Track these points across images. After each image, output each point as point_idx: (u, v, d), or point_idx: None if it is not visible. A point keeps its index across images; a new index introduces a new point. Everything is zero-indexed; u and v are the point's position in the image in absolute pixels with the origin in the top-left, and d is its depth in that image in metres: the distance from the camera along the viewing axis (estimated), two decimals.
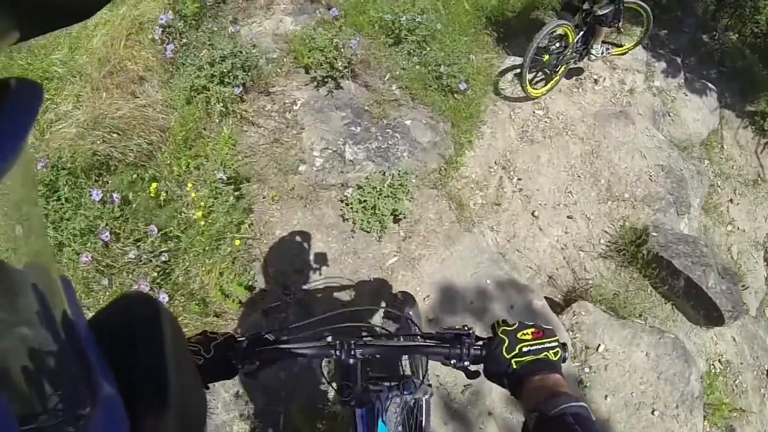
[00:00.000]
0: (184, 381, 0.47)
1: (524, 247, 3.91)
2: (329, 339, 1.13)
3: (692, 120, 5.83)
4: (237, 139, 3.48)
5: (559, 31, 4.66)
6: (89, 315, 0.47)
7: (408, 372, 1.75)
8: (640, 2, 5.19)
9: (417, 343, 1.08)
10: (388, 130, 3.81)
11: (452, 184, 3.88)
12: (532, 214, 4.06)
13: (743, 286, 5.16)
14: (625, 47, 5.52)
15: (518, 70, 4.57)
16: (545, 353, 0.90)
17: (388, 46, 4.31)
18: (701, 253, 4.06)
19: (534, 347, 0.90)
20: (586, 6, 4.52)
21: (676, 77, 5.96)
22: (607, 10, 4.47)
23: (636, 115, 4.98)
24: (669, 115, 5.72)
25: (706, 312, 3.89)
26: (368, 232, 3.33)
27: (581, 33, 4.68)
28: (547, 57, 4.56)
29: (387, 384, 1.31)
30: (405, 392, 1.21)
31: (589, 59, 4.98)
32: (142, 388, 0.42)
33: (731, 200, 6.13)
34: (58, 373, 0.35)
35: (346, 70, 3.78)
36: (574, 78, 5.17)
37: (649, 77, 5.72)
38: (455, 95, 4.22)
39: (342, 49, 3.69)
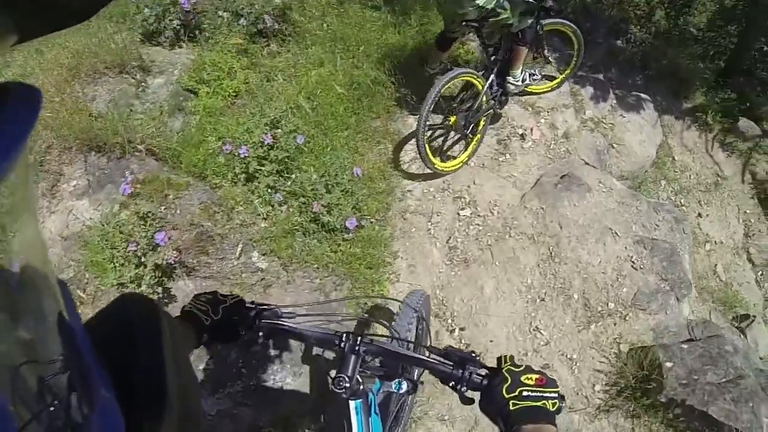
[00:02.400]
0: (182, 382, 0.41)
1: None
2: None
3: (638, 143, 4.31)
4: None
5: (460, 82, 3.02)
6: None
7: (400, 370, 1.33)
8: (565, 23, 3.50)
9: (420, 357, 0.93)
10: (257, 350, 2.07)
11: None
12: None
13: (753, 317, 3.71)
14: (555, 81, 3.84)
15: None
16: (544, 402, 0.76)
17: (240, 185, 2.68)
18: (734, 365, 2.55)
19: (534, 394, 0.77)
20: (486, 28, 2.84)
21: (607, 99, 4.43)
22: (523, 25, 2.85)
23: (583, 170, 3.41)
24: (613, 147, 4.18)
25: None
26: None
27: (492, 75, 3.01)
28: (453, 119, 2.89)
29: (382, 379, 1.11)
30: (400, 391, 1.06)
31: (507, 95, 3.27)
32: (141, 390, 0.38)
33: (699, 215, 4.63)
34: (55, 376, 0.30)
35: (174, 266, 2.16)
36: (496, 140, 3.61)
37: (579, 110, 4.18)
38: (344, 238, 2.63)
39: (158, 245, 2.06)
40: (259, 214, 2.58)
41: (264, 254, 2.58)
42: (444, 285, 2.67)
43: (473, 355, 0.88)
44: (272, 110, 2.78)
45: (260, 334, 0.96)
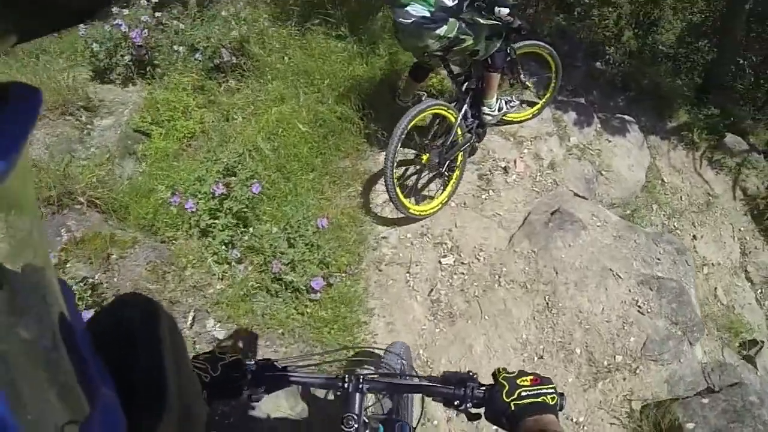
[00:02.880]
0: (183, 383, 0.41)
1: None
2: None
3: (627, 168, 4.07)
4: None
5: (429, 116, 2.69)
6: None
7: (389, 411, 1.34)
8: (540, 44, 3.25)
9: (423, 383, 0.95)
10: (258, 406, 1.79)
11: None
12: None
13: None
14: (536, 107, 3.54)
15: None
16: (543, 397, 0.80)
17: (195, 240, 2.34)
18: (761, 419, 2.23)
19: (533, 392, 0.81)
20: (453, 57, 2.58)
21: (591, 124, 4.21)
22: (491, 51, 2.58)
23: (574, 203, 3.12)
24: (602, 174, 3.92)
25: None
26: None
27: (465, 105, 2.73)
28: (425, 156, 2.58)
29: (383, 421, 1.18)
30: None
31: (484, 126, 2.97)
32: (141, 389, 0.37)
33: (694, 237, 4.37)
34: (56, 376, 0.30)
35: None
36: (477, 175, 3.32)
37: (564, 137, 3.93)
38: (311, 299, 2.28)
39: None
40: (214, 274, 2.22)
41: (220, 321, 2.21)
42: (428, 344, 2.32)
43: (470, 374, 0.91)
44: (228, 154, 2.45)
45: (263, 387, 0.94)
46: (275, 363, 0.97)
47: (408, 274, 2.51)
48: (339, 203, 2.68)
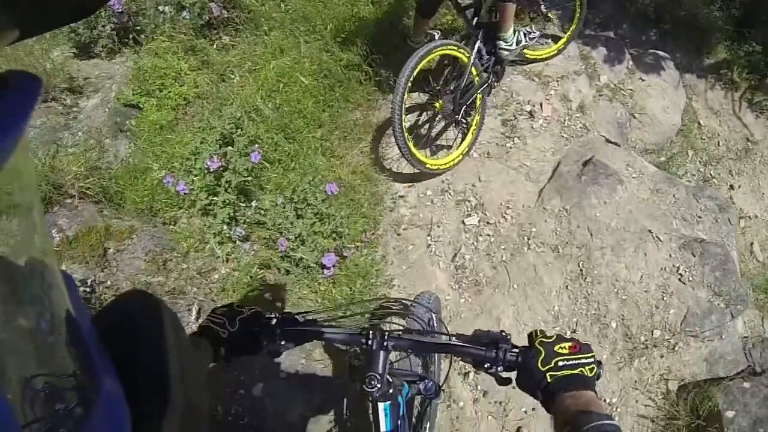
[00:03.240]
0: (186, 377, 0.41)
1: None
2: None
3: (661, 111, 3.71)
4: None
5: (438, 57, 2.38)
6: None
7: (418, 370, 1.22)
8: None
9: (452, 342, 0.88)
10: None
11: None
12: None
13: None
14: (560, 41, 3.17)
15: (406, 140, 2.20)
16: (581, 369, 0.73)
17: (198, 218, 2.12)
18: None
19: (570, 362, 0.74)
20: None
21: (623, 61, 3.80)
22: None
23: (607, 151, 2.81)
24: (635, 117, 3.58)
25: None
26: None
27: (478, 42, 2.40)
28: (439, 104, 2.30)
29: (410, 381, 1.09)
30: (428, 393, 1.06)
31: (502, 63, 2.65)
32: (144, 384, 0.37)
33: (731, 186, 4.06)
34: (61, 369, 0.30)
35: None
36: (500, 121, 3.00)
37: (593, 76, 3.56)
38: (324, 275, 2.06)
39: None
40: (218, 257, 2.03)
41: None
42: (452, 316, 2.14)
43: (503, 334, 0.84)
44: (225, 120, 2.19)
45: (283, 342, 0.90)
46: (296, 316, 0.92)
47: (429, 238, 2.29)
48: (351, 161, 2.42)
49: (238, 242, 2.07)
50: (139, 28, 2.76)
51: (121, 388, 0.34)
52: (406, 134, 2.15)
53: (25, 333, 0.27)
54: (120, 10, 2.72)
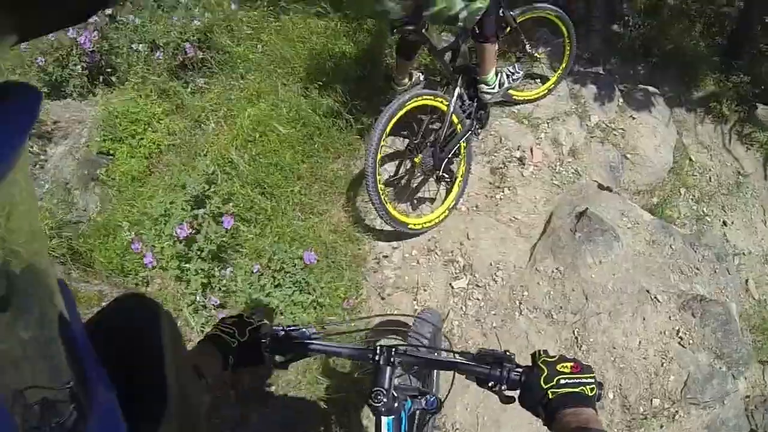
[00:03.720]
0: (183, 384, 0.40)
1: None
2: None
3: (653, 150, 3.62)
4: None
5: (414, 108, 2.14)
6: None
7: (418, 385, 1.26)
8: (548, 7, 2.70)
9: (457, 361, 0.90)
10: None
11: None
12: None
13: None
14: (550, 81, 3.07)
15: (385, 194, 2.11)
16: (582, 387, 0.76)
17: (171, 284, 1.94)
18: None
19: (572, 380, 0.76)
20: (435, 27, 2.16)
21: (613, 99, 3.72)
22: (475, 15, 2.00)
23: (601, 200, 2.65)
24: (627, 158, 3.51)
25: None
26: None
27: (458, 87, 2.24)
28: (418, 158, 2.14)
29: (412, 396, 1.10)
30: (429, 408, 1.07)
31: (485, 108, 2.52)
32: (141, 392, 0.36)
33: (724, 223, 4.00)
34: (55, 378, 0.29)
35: None
36: (489, 169, 2.87)
37: (583, 116, 3.46)
38: None
39: None
40: (192, 327, 1.85)
41: None
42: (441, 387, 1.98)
43: (507, 353, 0.86)
44: (197, 176, 2.03)
45: (289, 355, 0.92)
46: (304, 329, 0.93)
47: (415, 302, 2.14)
48: (331, 218, 2.27)
49: (213, 311, 1.90)
50: (112, 67, 2.61)
51: (116, 399, 0.33)
52: (382, 196, 2.00)
53: (20, 342, 0.26)
54: (91, 49, 2.56)
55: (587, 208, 2.46)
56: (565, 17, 2.82)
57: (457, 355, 0.94)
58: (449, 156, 2.27)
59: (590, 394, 0.76)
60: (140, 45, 2.54)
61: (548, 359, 0.80)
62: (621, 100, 3.65)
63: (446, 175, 2.32)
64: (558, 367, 0.78)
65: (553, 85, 3.09)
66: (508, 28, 2.66)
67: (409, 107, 2.09)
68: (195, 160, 2.23)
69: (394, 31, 2.12)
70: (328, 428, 1.83)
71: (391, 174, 2.44)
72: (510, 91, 2.83)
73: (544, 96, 3.11)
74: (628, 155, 3.36)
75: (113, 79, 2.55)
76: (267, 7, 2.64)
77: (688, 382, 2.05)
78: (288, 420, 1.82)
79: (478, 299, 2.15)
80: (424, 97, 2.16)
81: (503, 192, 2.60)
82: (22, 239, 0.27)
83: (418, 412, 1.19)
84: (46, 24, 0.26)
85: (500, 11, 2.32)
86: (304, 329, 0.94)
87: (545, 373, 0.78)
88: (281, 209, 2.15)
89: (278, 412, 1.81)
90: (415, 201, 2.45)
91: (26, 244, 0.27)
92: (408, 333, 1.43)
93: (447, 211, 2.36)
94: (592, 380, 0.77)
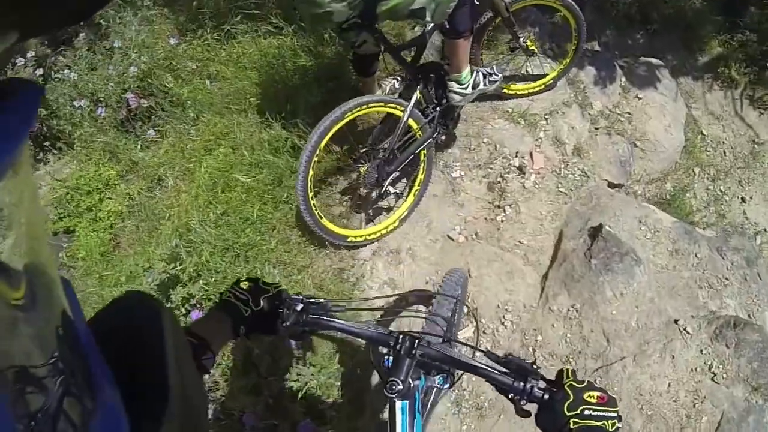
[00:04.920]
0: (185, 382, 0.41)
1: None
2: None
3: (664, 132, 3.28)
4: None
5: (356, 117, 1.86)
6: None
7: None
8: None
9: (480, 365, 0.86)
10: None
11: None
12: None
13: None
14: (546, 78, 2.73)
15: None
16: (604, 422, 0.73)
17: None
18: None
19: (597, 413, 0.73)
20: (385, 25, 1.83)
21: (615, 79, 3.34)
22: (444, 9, 1.69)
23: (615, 206, 2.34)
24: (636, 146, 3.19)
25: None
26: None
27: (418, 89, 1.94)
28: (364, 169, 1.90)
29: (426, 375, 1.02)
30: (445, 386, 1.02)
31: (454, 110, 2.20)
32: (143, 390, 0.36)
33: (743, 200, 3.74)
34: (58, 376, 0.29)
35: None
36: (486, 185, 2.54)
37: (584, 104, 3.11)
38: None
39: None
40: None
41: None
42: None
43: (533, 365, 0.83)
44: (163, 250, 1.76)
45: (306, 329, 0.88)
46: (324, 303, 0.90)
47: None
48: (315, 270, 2.00)
49: None
50: (56, 132, 2.29)
51: (119, 397, 0.33)
52: (315, 210, 1.83)
53: (22, 338, 0.26)
54: None
55: (601, 224, 2.18)
56: (572, 5, 2.44)
57: (481, 355, 0.91)
58: (399, 167, 2.00)
59: (611, 430, 0.73)
60: (82, 101, 2.22)
61: (576, 384, 0.76)
62: (623, 79, 3.31)
63: (392, 189, 2.04)
64: (585, 395, 0.74)
65: (551, 81, 2.75)
66: (498, 18, 2.32)
67: (351, 117, 1.80)
68: (159, 226, 1.96)
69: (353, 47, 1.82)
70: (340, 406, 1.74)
71: (345, 187, 2.18)
72: (502, 86, 2.52)
73: (540, 92, 2.79)
74: (638, 143, 3.05)
75: (60, 145, 2.24)
76: (211, 34, 2.29)
77: (722, 422, 1.83)
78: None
79: (487, 349, 1.90)
80: (372, 104, 1.85)
81: (504, 212, 2.32)
82: (25, 236, 0.26)
83: (430, 388, 1.15)
84: (46, 23, 0.26)
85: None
86: (325, 302, 0.91)
87: (570, 399, 0.74)
88: (258, 273, 1.89)
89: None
90: (371, 212, 2.18)
91: (29, 240, 0.27)
92: (427, 316, 1.37)
93: (397, 222, 2.12)
94: (616, 414, 0.74)
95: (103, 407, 0.31)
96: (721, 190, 3.46)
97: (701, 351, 1.87)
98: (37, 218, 0.29)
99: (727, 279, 2.22)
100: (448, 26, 1.87)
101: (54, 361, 0.29)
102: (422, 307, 1.93)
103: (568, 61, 2.66)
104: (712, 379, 1.85)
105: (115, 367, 0.34)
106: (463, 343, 1.25)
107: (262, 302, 0.82)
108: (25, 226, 0.27)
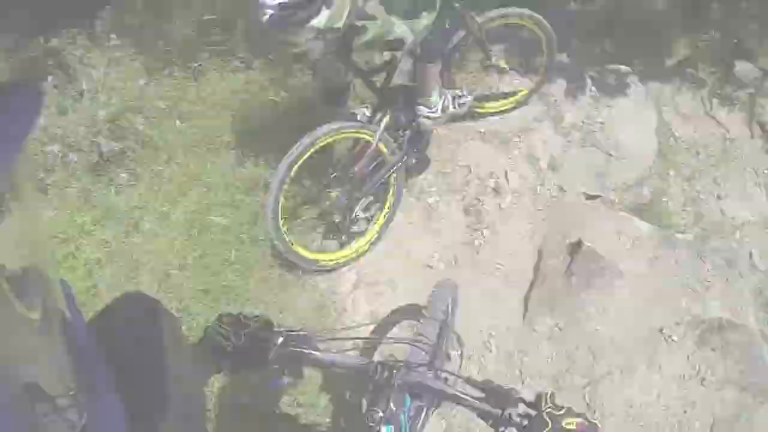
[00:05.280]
0: (182, 383, 0.41)
1: None
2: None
3: (636, 140, 3.31)
4: None
5: (326, 144, 1.89)
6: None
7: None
8: (524, 13, 2.41)
9: (460, 394, 0.87)
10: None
11: None
12: None
13: None
14: (517, 96, 2.76)
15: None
16: None
17: None
18: None
19: None
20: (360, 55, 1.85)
21: (584, 90, 3.43)
22: (420, 37, 1.75)
23: (593, 219, 2.39)
24: (611, 156, 3.25)
25: None
26: None
27: (387, 114, 1.96)
28: (334, 194, 1.96)
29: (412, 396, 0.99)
30: (429, 405, 1.05)
31: (423, 132, 2.20)
32: (141, 390, 0.36)
33: (719, 197, 3.80)
34: (58, 375, 0.30)
35: None
36: (462, 209, 2.55)
37: (556, 118, 3.14)
38: None
39: None
40: None
41: None
42: None
43: (513, 391, 0.84)
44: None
45: (287, 363, 0.88)
46: (305, 335, 0.90)
47: None
48: (297, 312, 2.00)
49: None
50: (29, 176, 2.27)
51: (118, 396, 0.33)
52: (287, 238, 1.87)
53: (22, 339, 0.26)
54: None
55: (580, 240, 2.20)
56: (545, 25, 2.49)
57: (463, 384, 0.91)
58: (369, 192, 2.02)
59: None
60: (54, 146, 2.21)
61: (555, 411, 0.77)
62: (593, 88, 3.36)
63: (362, 214, 2.06)
64: (564, 423, 0.76)
65: (523, 98, 2.79)
66: (470, 38, 2.35)
67: (321, 144, 1.84)
68: (137, 275, 1.94)
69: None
70: None
71: (310, 209, 2.18)
72: (475, 105, 2.54)
73: (513, 109, 2.82)
74: (612, 151, 3.09)
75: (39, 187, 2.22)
76: (179, 72, 2.30)
77: (713, 427, 1.84)
78: None
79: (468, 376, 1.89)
80: (343, 130, 1.87)
81: (482, 235, 2.33)
82: (24, 237, 0.27)
83: (418, 408, 1.15)
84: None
85: (447, 22, 2.01)
86: (306, 334, 0.90)
87: (548, 427, 0.75)
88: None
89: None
90: (344, 237, 2.18)
91: (28, 241, 0.27)
92: (411, 340, 1.33)
93: (367, 246, 2.13)
94: None
95: (101, 406, 0.31)
96: (697, 191, 3.49)
97: (688, 357, 1.88)
98: (36, 219, 0.28)
99: (708, 281, 2.25)
100: (419, 51, 1.90)
101: (53, 361, 0.29)
102: (411, 322, 1.89)
103: (539, 77, 2.71)
104: (701, 384, 1.86)
105: (116, 366, 0.35)
106: (443, 371, 1.22)
107: (243, 337, 0.82)
108: (25, 225, 0.27)
